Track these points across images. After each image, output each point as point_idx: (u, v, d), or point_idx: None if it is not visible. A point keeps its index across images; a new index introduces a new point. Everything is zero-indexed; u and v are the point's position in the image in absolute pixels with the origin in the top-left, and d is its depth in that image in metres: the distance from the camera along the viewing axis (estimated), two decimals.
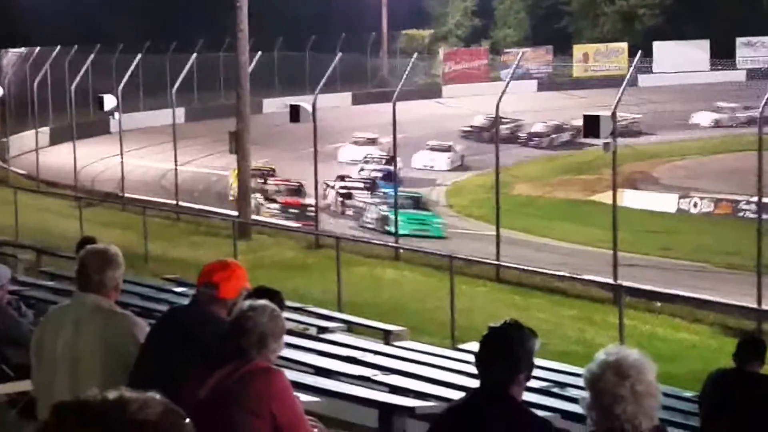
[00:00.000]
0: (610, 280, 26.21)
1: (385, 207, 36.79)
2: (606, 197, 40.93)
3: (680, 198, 43.66)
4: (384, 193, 38.95)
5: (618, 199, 38.05)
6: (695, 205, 43.14)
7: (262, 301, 5.21)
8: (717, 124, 58.01)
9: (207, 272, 5.81)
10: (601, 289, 24.89)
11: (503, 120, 54.17)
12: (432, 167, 47.33)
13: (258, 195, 38.02)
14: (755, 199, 40.96)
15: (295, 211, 37.09)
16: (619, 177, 32.78)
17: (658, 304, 23.92)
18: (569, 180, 46.32)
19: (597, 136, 27.81)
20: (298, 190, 39.44)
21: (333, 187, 40.13)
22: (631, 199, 41.23)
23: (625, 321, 18.27)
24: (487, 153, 49.15)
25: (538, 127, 54.04)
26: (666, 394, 9.73)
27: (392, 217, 34.28)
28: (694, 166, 49.49)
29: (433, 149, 48.95)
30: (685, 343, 20.24)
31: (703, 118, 58.75)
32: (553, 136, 54.01)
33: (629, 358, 4.08)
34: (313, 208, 36.04)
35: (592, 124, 27.28)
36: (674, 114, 58.27)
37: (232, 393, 4.88)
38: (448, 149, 49.41)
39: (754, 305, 23.27)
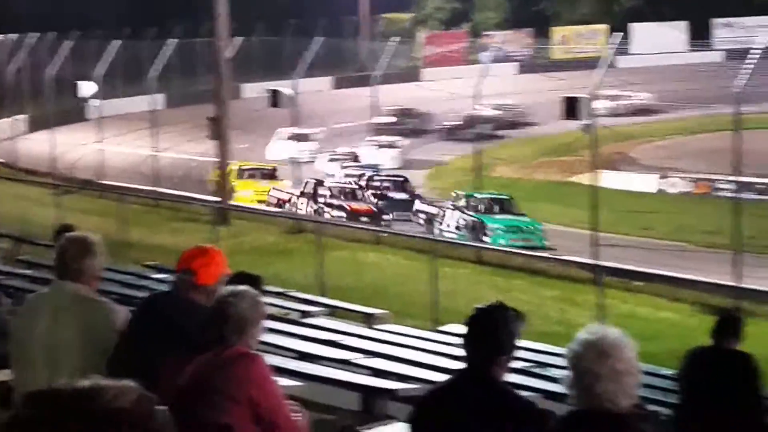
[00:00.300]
0: (591, 260, 26.32)
1: (471, 212, 32.42)
2: (586, 178, 40.99)
3: (660, 178, 43.80)
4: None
5: (598, 180, 38.20)
6: (674, 185, 43.28)
7: (242, 287, 5.20)
8: (610, 113, 56.82)
9: (186, 259, 5.80)
10: (582, 269, 24.98)
11: (411, 112, 53.18)
12: (376, 165, 42.76)
13: (299, 198, 35.07)
14: (733, 178, 41.21)
15: (366, 219, 33.20)
16: (599, 158, 32.86)
17: (637, 283, 24.03)
18: (549, 162, 46.43)
19: (576, 117, 28.00)
20: (355, 193, 35.45)
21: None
22: (610, 179, 41.31)
23: (606, 300, 18.36)
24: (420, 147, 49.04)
25: (450, 119, 51.71)
26: (646, 372, 9.80)
27: (488, 224, 31.56)
28: (672, 146, 49.66)
29: (380, 146, 45.43)
30: (665, 322, 20.34)
31: (596, 106, 57.64)
32: (479, 128, 52.27)
33: (609, 337, 4.09)
34: (387, 216, 33.92)
35: (570, 106, 27.40)
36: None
37: (212, 379, 4.88)
38: (392, 145, 46.41)
39: (733, 283, 23.44)
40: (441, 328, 13.11)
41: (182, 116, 48.53)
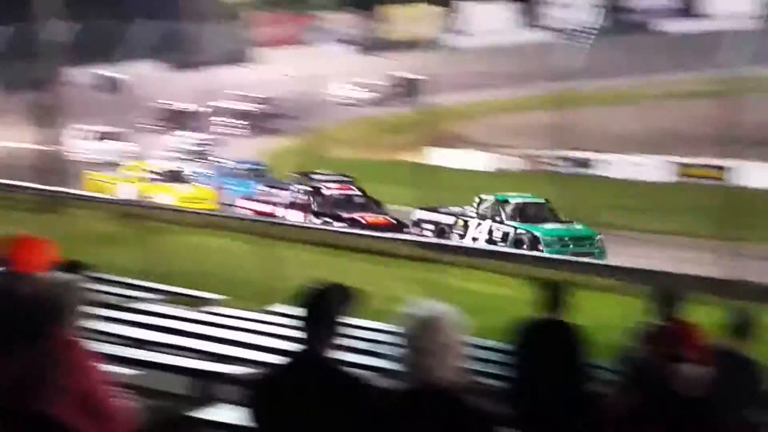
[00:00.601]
0: (430, 239, 26.63)
1: (511, 222, 27.06)
2: (421, 157, 41.37)
3: (495, 155, 44.53)
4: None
5: (434, 159, 38.64)
6: (509, 162, 44.05)
7: (65, 275, 5.10)
8: (354, 103, 56.07)
9: (5, 247, 5.67)
10: (419, 247, 25.28)
11: (177, 109, 51.74)
12: (256, 162, 39.70)
13: (288, 209, 30.22)
14: (567, 154, 42.18)
15: (384, 232, 27.76)
16: (435, 137, 33.28)
17: (475, 259, 24.38)
18: (385, 141, 46.68)
19: (410, 97, 28.32)
20: (355, 201, 30.14)
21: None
22: (447, 158, 41.84)
23: (444, 278, 18.60)
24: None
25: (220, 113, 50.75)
26: (477, 346, 9.93)
27: (542, 236, 26.24)
28: (507, 123, 50.47)
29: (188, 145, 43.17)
30: (499, 296, 20.64)
31: (342, 92, 57.55)
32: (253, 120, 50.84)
33: (437, 313, 4.17)
34: (409, 229, 28.79)
35: (402, 86, 27.71)
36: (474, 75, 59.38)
37: (36, 370, 4.77)
38: (201, 143, 44.14)
39: (562, 256, 24.05)
40: (273, 309, 13.10)
41: (16, 103, 47.27)
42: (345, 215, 28.92)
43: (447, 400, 4.13)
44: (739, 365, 6.76)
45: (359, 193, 30.34)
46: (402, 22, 75.28)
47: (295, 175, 33.62)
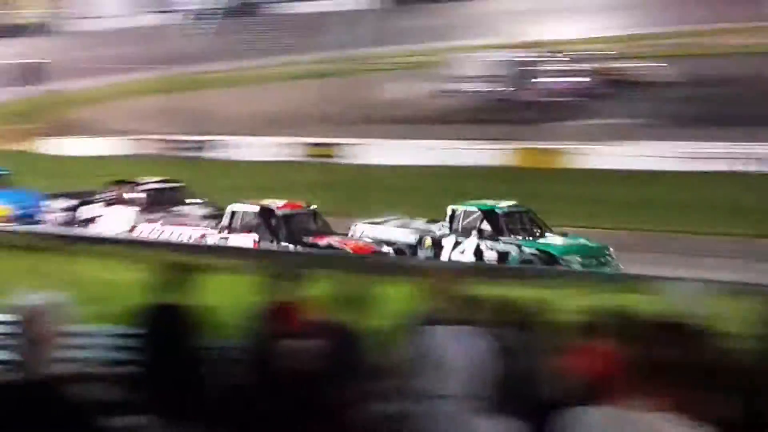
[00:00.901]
0: (55, 230, 26.12)
1: (509, 239, 21.45)
2: (42, 146, 40.38)
3: (120, 140, 44.04)
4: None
5: (57, 147, 37.72)
6: (134, 147, 43.68)
7: None
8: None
9: None
10: (59, 239, 24.78)
11: None
12: None
13: (230, 232, 23.29)
14: (191, 137, 42.41)
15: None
16: (59, 123, 32.50)
17: (106, 247, 24.12)
18: (3, 131, 45.19)
19: (31, 83, 27.63)
20: (313, 225, 23.14)
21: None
22: (70, 145, 41.00)
23: (67, 267, 18.34)
24: None
25: None
26: (101, 334, 9.95)
27: (559, 255, 20.87)
28: (134, 108, 50.00)
29: None
30: (128, 283, 20.54)
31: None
32: None
33: (46, 303, 4.21)
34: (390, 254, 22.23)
35: (22, 72, 27.00)
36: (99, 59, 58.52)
37: None
38: None
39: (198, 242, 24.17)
40: None
41: None
42: (321, 243, 22.12)
43: (51, 390, 4.16)
44: (346, 338, 7.09)
45: (312, 209, 23.60)
46: (23, 5, 72.97)
47: (111, 184, 27.77)
